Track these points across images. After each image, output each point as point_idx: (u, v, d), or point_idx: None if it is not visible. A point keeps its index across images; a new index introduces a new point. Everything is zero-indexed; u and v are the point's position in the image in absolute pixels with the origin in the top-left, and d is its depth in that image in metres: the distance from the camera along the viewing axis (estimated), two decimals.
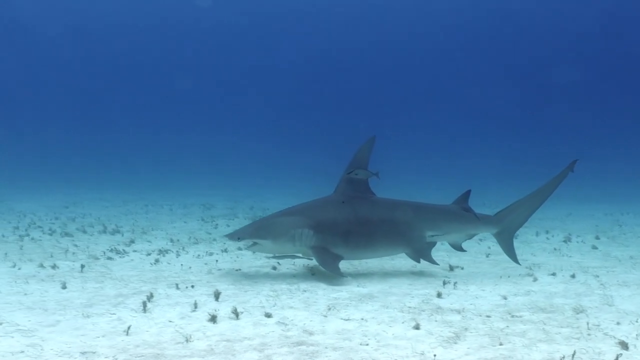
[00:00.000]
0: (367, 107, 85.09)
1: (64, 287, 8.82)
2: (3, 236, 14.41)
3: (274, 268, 10.79)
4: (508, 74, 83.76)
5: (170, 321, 6.95)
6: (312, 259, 10.33)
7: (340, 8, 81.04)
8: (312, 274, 10.32)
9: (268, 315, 7.24)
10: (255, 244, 10.00)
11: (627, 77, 77.48)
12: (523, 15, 78.19)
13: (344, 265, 10.89)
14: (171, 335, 6.37)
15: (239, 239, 10.07)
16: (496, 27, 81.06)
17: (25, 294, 8.36)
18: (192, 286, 8.98)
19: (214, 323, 6.87)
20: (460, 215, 11.09)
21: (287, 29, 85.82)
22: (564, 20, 77.57)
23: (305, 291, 8.81)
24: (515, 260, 11.30)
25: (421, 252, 10.67)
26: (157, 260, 11.32)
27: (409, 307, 7.92)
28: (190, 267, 10.73)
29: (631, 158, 53.65)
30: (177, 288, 8.84)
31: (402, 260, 11.84)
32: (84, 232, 15.48)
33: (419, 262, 10.69)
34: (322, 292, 8.75)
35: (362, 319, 7.24)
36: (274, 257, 10.50)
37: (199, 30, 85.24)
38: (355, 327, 6.88)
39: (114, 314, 7.30)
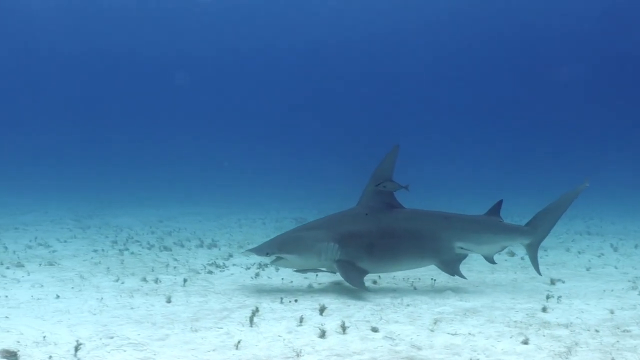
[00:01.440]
0: (364, 108, 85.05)
1: (169, 301, 8.94)
2: (103, 250, 14.69)
3: (375, 282, 10.74)
4: (508, 72, 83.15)
5: (279, 335, 6.98)
6: (335, 273, 10.21)
7: (339, 5, 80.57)
8: (414, 288, 10.28)
9: (374, 330, 7.21)
10: (279, 258, 9.87)
11: (628, 75, 76.48)
12: (523, 14, 77.17)
13: (444, 279, 10.85)
14: (281, 350, 6.40)
15: (267, 254, 9.87)
16: (496, 25, 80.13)
17: (132, 308, 8.50)
18: (296, 300, 9.00)
19: (321, 337, 6.87)
20: (492, 226, 10.83)
21: (289, 25, 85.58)
22: (565, 18, 76.36)
23: (408, 305, 8.76)
24: (538, 271, 11.06)
25: (450, 264, 10.41)
26: (257, 274, 11.38)
27: (515, 322, 7.84)
28: (291, 282, 10.76)
29: None
30: (281, 302, 8.87)
31: (501, 274, 11.75)
32: (182, 246, 15.70)
33: (453, 275, 10.39)
34: (425, 307, 8.69)
35: (470, 333, 7.17)
36: (297, 271, 10.24)
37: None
38: (463, 341, 6.83)
39: (221, 327, 7.37)
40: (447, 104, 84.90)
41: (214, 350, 6.40)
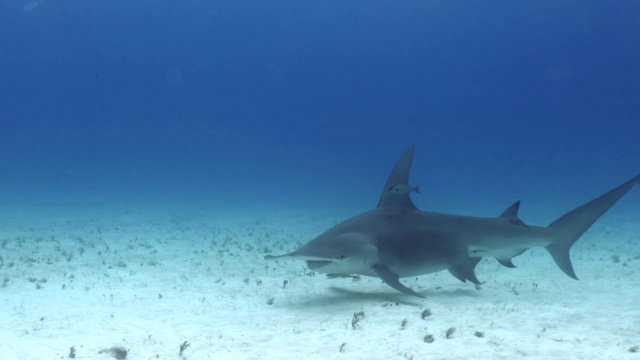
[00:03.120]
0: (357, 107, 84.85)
1: (270, 303, 9.00)
2: (203, 251, 14.93)
3: (478, 288, 10.62)
4: (500, 71, 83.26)
5: (383, 339, 6.92)
6: (355, 277, 10.30)
7: (334, 5, 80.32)
8: (515, 293, 10.11)
9: (478, 335, 7.11)
10: (325, 262, 9.06)
11: (620, 74, 76.74)
12: (517, 13, 76.21)
13: (545, 284, 10.66)
14: (385, 353, 6.36)
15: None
16: (489, 25, 79.24)
17: (234, 309, 8.59)
18: (397, 304, 8.92)
19: (425, 341, 6.80)
20: (506, 228, 10.56)
21: (282, 27, 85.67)
22: (557, 17, 75.16)
23: (512, 310, 8.60)
24: (571, 275, 10.73)
25: (463, 269, 10.23)
26: (356, 277, 11.32)
27: (621, 329, 7.62)
28: None
29: None
30: (383, 305, 8.83)
31: (604, 280, 11.51)
32: (280, 248, 15.84)
33: (464, 281, 10.20)
34: (529, 312, 8.53)
35: (577, 340, 7.01)
36: (329, 275, 9.90)
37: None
38: (570, 348, 6.67)
39: (323, 330, 7.37)
40: (452, 106, 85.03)
41: (317, 352, 6.40)
